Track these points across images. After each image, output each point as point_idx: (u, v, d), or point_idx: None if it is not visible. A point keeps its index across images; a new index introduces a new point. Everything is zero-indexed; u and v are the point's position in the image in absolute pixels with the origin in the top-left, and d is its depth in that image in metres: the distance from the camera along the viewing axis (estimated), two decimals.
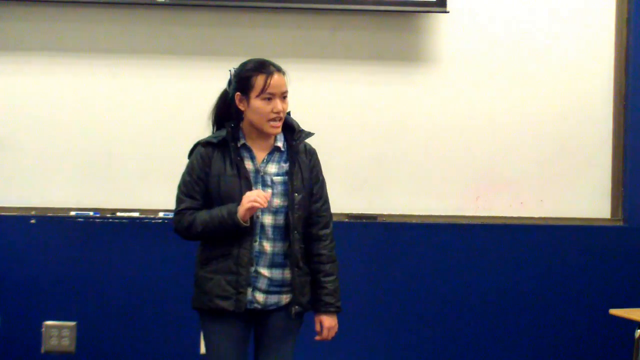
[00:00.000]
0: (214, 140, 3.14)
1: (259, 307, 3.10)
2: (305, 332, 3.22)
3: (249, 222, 3.02)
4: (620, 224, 4.54)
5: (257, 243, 3.08)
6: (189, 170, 3.17)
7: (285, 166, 3.13)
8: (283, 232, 3.10)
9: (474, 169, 4.51)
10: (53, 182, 4.38)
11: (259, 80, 3.09)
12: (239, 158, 3.10)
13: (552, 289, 4.45)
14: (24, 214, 4.34)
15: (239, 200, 3.03)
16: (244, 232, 3.04)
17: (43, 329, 4.32)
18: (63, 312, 4.33)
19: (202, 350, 4.33)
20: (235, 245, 3.06)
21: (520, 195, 4.52)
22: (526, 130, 4.52)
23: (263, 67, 3.11)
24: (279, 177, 3.11)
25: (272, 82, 3.09)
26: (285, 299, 3.12)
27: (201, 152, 3.15)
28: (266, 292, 3.10)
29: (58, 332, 4.31)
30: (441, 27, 4.46)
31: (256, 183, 3.10)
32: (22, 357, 4.32)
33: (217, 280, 3.07)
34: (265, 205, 3.00)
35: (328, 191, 3.24)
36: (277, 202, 3.10)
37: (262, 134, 3.13)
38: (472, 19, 4.49)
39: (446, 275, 4.42)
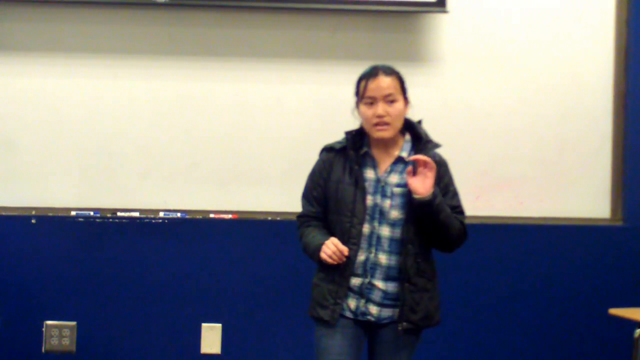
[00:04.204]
0: (337, 146, 3.10)
1: (373, 319, 3.04)
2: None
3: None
4: (620, 224, 4.53)
5: (372, 255, 3.01)
6: (311, 174, 3.16)
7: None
8: (400, 245, 3.01)
9: (474, 169, 4.51)
10: (53, 182, 4.38)
11: (362, 85, 3.04)
12: (357, 167, 3.03)
13: (552, 288, 4.45)
14: (24, 214, 4.35)
15: (350, 209, 2.99)
16: (350, 244, 3.00)
17: (44, 329, 4.33)
18: (63, 312, 4.33)
19: (203, 349, 4.35)
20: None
21: (520, 195, 4.52)
22: (526, 130, 4.52)
23: (369, 71, 3.06)
24: (399, 189, 3.02)
25: (370, 85, 3.01)
26: (399, 313, 3.03)
27: (323, 157, 3.13)
28: (380, 305, 3.03)
29: (59, 331, 4.32)
30: (441, 27, 4.46)
31: (375, 193, 3.03)
32: (23, 356, 4.32)
33: (322, 288, 3.05)
34: (336, 263, 2.96)
35: None
36: (396, 214, 3.01)
37: (384, 142, 3.06)
38: (472, 19, 4.49)
39: (445, 274, 4.41)
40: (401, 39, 4.47)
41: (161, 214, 4.38)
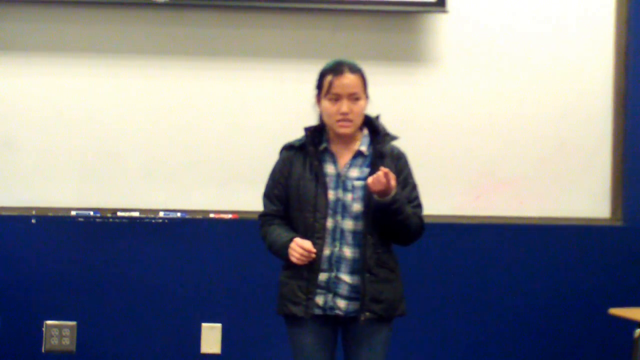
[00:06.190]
0: (297, 144, 3.14)
1: (341, 313, 3.06)
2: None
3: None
4: (620, 224, 4.53)
5: (337, 249, 3.05)
6: (272, 173, 3.19)
7: (367, 171, 3.07)
8: (363, 237, 3.06)
9: (474, 169, 4.51)
10: (53, 182, 4.39)
11: (327, 80, 3.08)
12: (316, 162, 3.08)
13: (552, 288, 4.45)
14: (24, 214, 4.35)
15: (312, 204, 3.03)
16: (315, 238, 3.03)
17: (44, 329, 4.33)
18: (63, 312, 4.33)
19: (203, 349, 4.36)
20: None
21: (519, 194, 4.52)
22: (526, 130, 4.52)
23: (335, 66, 3.09)
24: (359, 182, 3.06)
25: (337, 82, 3.05)
26: (360, 304, 3.05)
27: (284, 155, 3.17)
28: (347, 298, 3.05)
29: (59, 331, 4.32)
30: (441, 27, 4.46)
31: (337, 187, 3.07)
32: (23, 356, 4.33)
33: (291, 285, 3.08)
34: (303, 263, 3.00)
35: None
36: (358, 207, 3.05)
37: (344, 138, 3.10)
38: (472, 19, 4.49)
39: (445, 274, 4.42)
40: (401, 39, 4.47)
41: (161, 214, 4.38)
